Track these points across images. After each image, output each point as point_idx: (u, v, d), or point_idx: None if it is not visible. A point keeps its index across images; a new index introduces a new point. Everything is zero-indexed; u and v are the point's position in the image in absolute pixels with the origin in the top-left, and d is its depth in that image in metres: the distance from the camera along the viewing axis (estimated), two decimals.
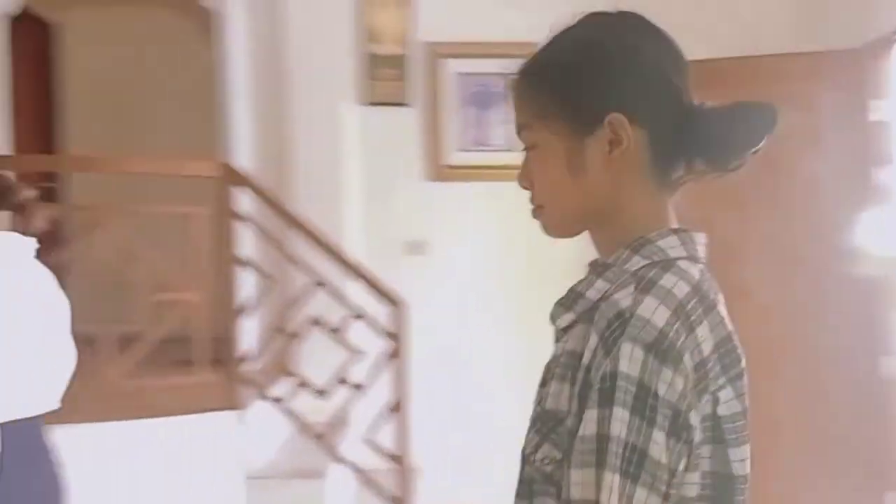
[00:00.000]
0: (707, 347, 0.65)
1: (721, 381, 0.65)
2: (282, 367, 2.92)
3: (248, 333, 2.88)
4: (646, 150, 0.69)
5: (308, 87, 3.30)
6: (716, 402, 0.65)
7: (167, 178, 3.09)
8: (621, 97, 0.68)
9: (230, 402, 2.66)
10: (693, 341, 0.63)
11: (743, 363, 0.68)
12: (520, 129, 0.74)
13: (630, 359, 0.60)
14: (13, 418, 1.48)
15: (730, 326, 0.68)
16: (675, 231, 0.70)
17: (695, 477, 0.64)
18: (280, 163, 3.38)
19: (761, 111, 0.68)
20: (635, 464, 0.59)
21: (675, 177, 0.72)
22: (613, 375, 0.60)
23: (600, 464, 0.59)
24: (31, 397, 1.55)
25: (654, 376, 0.60)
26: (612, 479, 0.59)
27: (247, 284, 2.85)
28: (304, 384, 2.79)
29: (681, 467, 0.62)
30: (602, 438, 0.60)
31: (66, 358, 1.69)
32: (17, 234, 1.61)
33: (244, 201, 2.83)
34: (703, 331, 0.65)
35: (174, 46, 4.43)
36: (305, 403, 2.79)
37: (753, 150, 0.68)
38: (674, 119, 0.69)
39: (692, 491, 0.64)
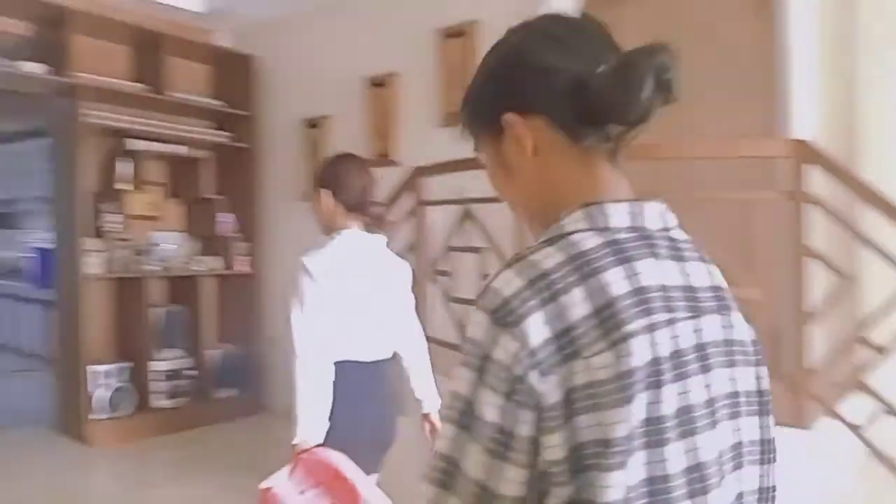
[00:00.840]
0: (577, 313, 0.66)
1: (599, 345, 0.65)
2: (856, 383, 2.42)
3: (816, 340, 2.47)
4: (556, 133, 0.76)
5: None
6: (589, 364, 0.65)
7: (715, 163, 2.87)
8: (509, 98, 0.77)
9: (795, 420, 2.30)
10: (555, 306, 0.66)
11: (629, 327, 0.66)
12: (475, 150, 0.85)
13: (476, 324, 0.69)
14: (376, 359, 2.06)
15: (619, 291, 0.67)
16: (588, 205, 0.73)
17: (554, 439, 0.64)
18: (849, 137, 2.83)
19: (648, 58, 0.70)
20: (469, 419, 0.68)
21: (601, 146, 0.76)
22: (465, 340, 0.70)
23: (444, 418, 0.72)
24: (378, 348, 2.08)
25: (491, 340, 0.67)
26: (449, 431, 0.70)
27: (817, 281, 2.44)
28: (887, 407, 2.25)
29: (525, 432, 0.65)
30: (451, 395, 0.71)
31: (403, 322, 2.22)
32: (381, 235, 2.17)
33: (817, 183, 2.42)
34: (571, 298, 0.67)
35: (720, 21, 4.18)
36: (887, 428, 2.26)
37: (655, 96, 0.71)
38: (569, 98, 0.74)
39: (557, 454, 0.65)
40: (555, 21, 0.79)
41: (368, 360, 2.05)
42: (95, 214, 4.65)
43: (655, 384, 0.66)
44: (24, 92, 4.59)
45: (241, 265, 5.32)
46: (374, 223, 2.17)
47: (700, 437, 0.69)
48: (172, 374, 4.90)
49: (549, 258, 0.69)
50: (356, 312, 2.00)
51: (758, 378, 0.78)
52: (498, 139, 0.79)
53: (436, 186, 3.53)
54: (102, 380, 4.57)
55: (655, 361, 0.67)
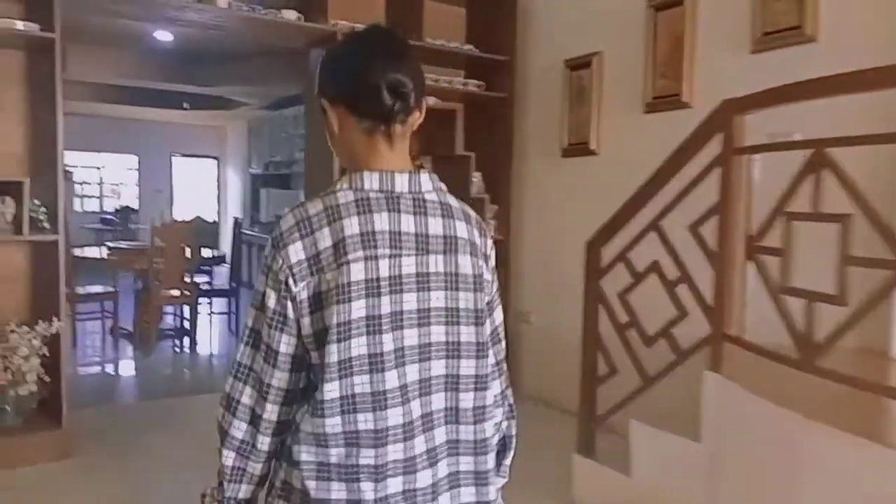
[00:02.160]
0: (323, 244, 1.03)
1: (332, 265, 1.02)
2: None
3: None
4: (352, 116, 1.10)
5: None
6: (325, 277, 1.02)
7: None
8: (323, 87, 1.13)
9: None
10: (311, 239, 1.03)
11: (350, 256, 1.01)
12: None
13: (267, 246, 1.07)
14: None
15: (351, 232, 1.02)
16: (353, 172, 1.09)
17: (307, 321, 1.04)
18: None
19: (384, 77, 1.07)
20: (262, 305, 1.07)
21: (378, 130, 1.09)
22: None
23: (250, 305, 1.11)
24: None
25: (272, 257, 1.05)
26: (252, 312, 1.09)
27: None
28: None
29: (291, 314, 1.04)
30: (254, 291, 1.10)
31: None
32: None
33: None
34: (323, 233, 1.03)
35: None
36: None
37: (393, 102, 1.07)
38: (350, 97, 1.09)
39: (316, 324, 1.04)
40: (360, 37, 1.13)
41: None
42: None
43: (375, 293, 1.02)
44: (280, 47, 4.38)
45: (492, 230, 4.69)
46: None
47: (407, 332, 1.05)
48: None
49: (315, 206, 1.06)
50: None
51: (475, 300, 1.11)
52: (324, 113, 1.14)
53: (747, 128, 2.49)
54: None
55: (374, 279, 1.02)
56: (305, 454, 1.05)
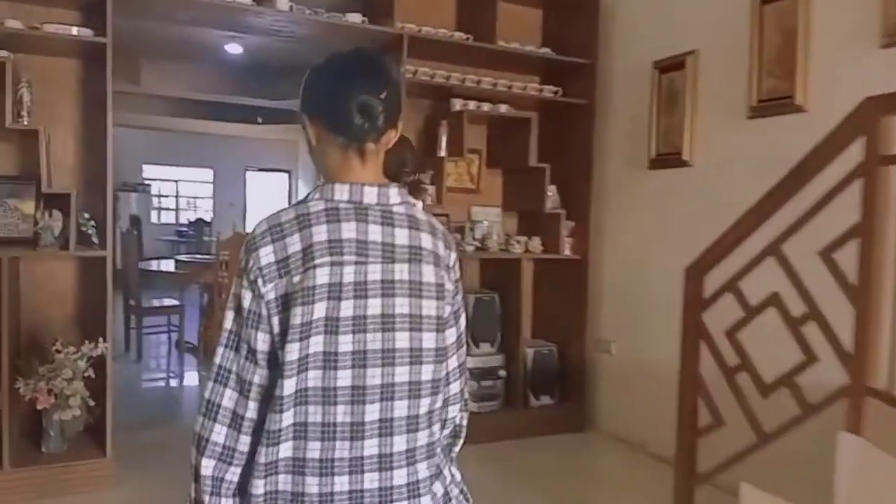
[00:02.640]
0: (293, 249, 1.07)
1: (300, 269, 1.06)
2: None
3: None
4: (330, 133, 1.15)
5: None
6: (292, 280, 1.06)
7: None
8: (304, 106, 1.19)
9: None
10: (281, 244, 1.08)
11: (317, 261, 1.06)
12: None
13: (241, 250, 1.12)
14: None
15: (319, 239, 1.07)
16: (325, 184, 1.14)
17: (276, 320, 1.08)
18: None
19: (355, 99, 1.13)
20: (237, 306, 1.11)
21: (351, 145, 1.14)
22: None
23: (226, 307, 1.14)
24: None
25: (244, 260, 1.10)
26: (230, 314, 1.13)
27: None
28: None
29: (263, 313, 1.08)
30: (231, 293, 1.14)
31: None
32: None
33: None
34: (292, 239, 1.08)
35: None
36: None
37: (363, 122, 1.12)
38: (330, 112, 1.15)
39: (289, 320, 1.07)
40: (341, 60, 1.17)
41: None
42: (412, 188, 3.98)
43: (336, 297, 1.07)
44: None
45: (567, 248, 4.26)
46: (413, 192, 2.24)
47: (370, 335, 1.08)
48: (482, 374, 4.07)
49: (287, 214, 1.11)
50: None
51: (437, 307, 1.15)
52: (304, 127, 1.20)
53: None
54: None
55: (337, 284, 1.07)
56: (263, 456, 1.08)
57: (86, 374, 3.14)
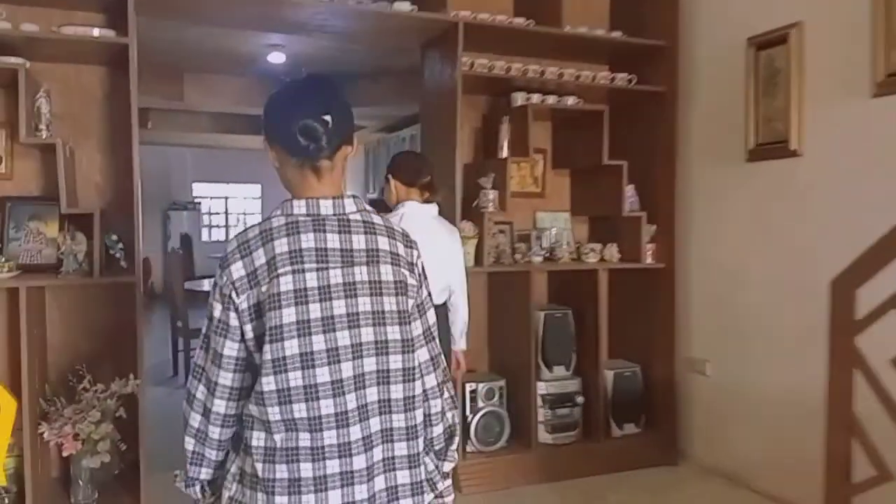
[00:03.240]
0: (259, 262, 1.21)
1: (266, 279, 1.20)
2: None
3: None
4: (285, 154, 1.27)
5: None
6: (261, 289, 1.20)
7: None
8: (265, 130, 1.30)
9: None
10: (249, 259, 1.22)
11: (280, 270, 1.20)
12: None
13: (217, 267, 1.27)
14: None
15: (281, 250, 1.21)
16: (286, 201, 1.27)
17: (249, 327, 1.23)
18: None
19: (297, 123, 1.24)
20: (210, 317, 1.26)
21: (306, 165, 1.26)
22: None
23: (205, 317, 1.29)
24: (438, 296, 2.62)
25: (218, 275, 1.25)
26: (205, 325, 1.28)
27: None
28: None
29: (233, 322, 1.23)
30: (208, 305, 1.28)
31: (458, 274, 2.80)
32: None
33: None
34: (258, 253, 1.22)
35: None
36: None
37: (307, 144, 1.24)
38: (281, 137, 1.27)
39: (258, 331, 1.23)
40: (290, 87, 1.30)
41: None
42: (467, 191, 3.53)
43: (304, 301, 1.19)
44: (395, 68, 3.68)
45: (649, 255, 3.73)
46: (430, 195, 2.76)
47: (339, 333, 1.21)
48: (555, 400, 3.57)
49: (253, 231, 1.25)
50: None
51: (398, 303, 1.28)
52: (267, 151, 1.32)
53: None
54: (469, 401, 3.45)
55: (302, 290, 1.20)
56: (256, 440, 1.24)
57: (117, 415, 2.79)
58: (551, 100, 3.61)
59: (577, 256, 3.72)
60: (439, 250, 2.62)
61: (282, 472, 1.20)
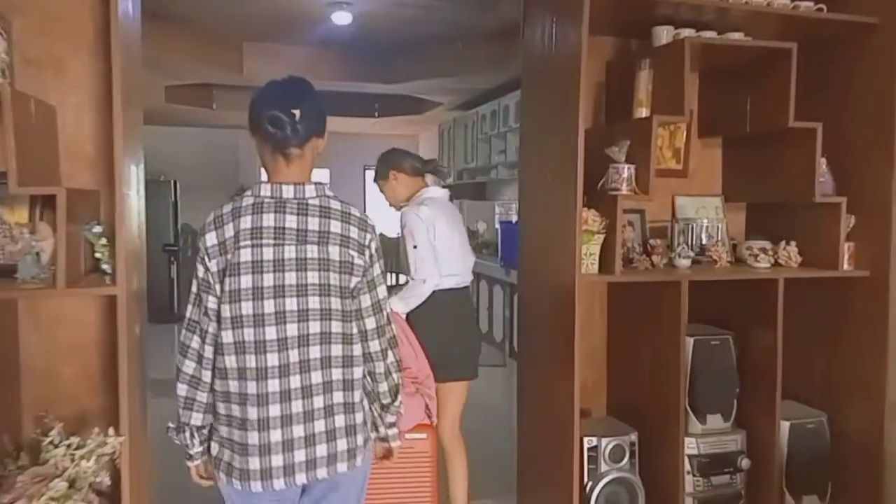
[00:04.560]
0: (228, 235, 1.49)
1: (231, 249, 1.48)
2: None
3: None
4: (261, 143, 1.55)
5: None
6: (227, 258, 1.49)
7: None
8: (248, 120, 1.55)
9: None
10: (221, 231, 1.50)
11: (242, 243, 1.49)
12: None
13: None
14: (456, 286, 2.62)
15: (245, 226, 1.49)
16: (256, 183, 1.54)
17: (218, 286, 1.51)
18: None
19: (266, 113, 1.52)
20: (196, 277, 1.54)
21: (277, 152, 1.53)
22: None
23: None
24: (463, 277, 2.68)
25: (200, 242, 1.52)
26: (193, 284, 1.55)
27: None
28: None
29: (211, 280, 1.51)
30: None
31: (470, 258, 2.77)
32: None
33: None
34: (228, 227, 1.49)
35: None
36: None
37: (274, 133, 1.51)
38: (257, 128, 1.53)
39: (228, 312, 1.50)
40: (271, 84, 1.57)
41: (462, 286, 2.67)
42: (587, 171, 2.50)
43: (259, 271, 1.48)
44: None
45: (846, 260, 2.59)
46: (440, 176, 3.00)
47: (288, 300, 1.50)
48: (710, 464, 2.50)
49: (226, 208, 1.52)
50: (451, 248, 2.57)
51: (341, 279, 1.55)
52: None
53: None
54: (588, 462, 2.44)
55: (258, 262, 1.48)
56: (218, 385, 1.53)
57: (95, 481, 1.94)
58: (709, 35, 2.51)
59: (743, 259, 2.63)
60: (462, 235, 2.68)
61: (234, 411, 1.52)
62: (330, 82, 7.32)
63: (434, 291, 2.52)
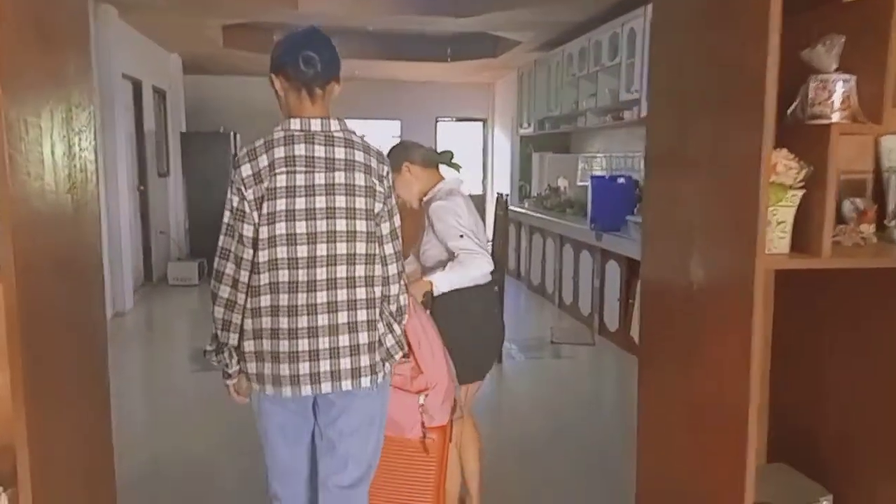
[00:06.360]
0: (262, 165, 1.61)
1: (267, 177, 1.60)
2: None
3: None
4: (288, 81, 1.66)
5: None
6: (263, 185, 1.60)
7: None
8: (272, 68, 1.69)
9: None
10: (255, 162, 1.61)
11: (277, 171, 1.61)
12: None
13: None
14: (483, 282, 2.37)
15: (279, 156, 1.61)
16: (286, 118, 1.67)
17: (255, 214, 1.62)
18: None
19: (299, 51, 1.64)
20: (229, 207, 1.64)
21: (303, 90, 1.66)
22: None
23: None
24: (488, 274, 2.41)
25: (233, 174, 1.63)
26: (225, 215, 1.66)
27: None
28: None
29: (246, 209, 1.62)
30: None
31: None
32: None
33: None
34: (262, 158, 1.61)
35: None
36: None
37: (306, 70, 1.64)
38: (287, 65, 1.65)
39: (266, 232, 1.62)
40: (296, 33, 1.70)
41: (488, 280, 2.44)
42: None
43: (293, 195, 1.60)
44: None
45: None
46: (455, 168, 2.71)
47: (318, 222, 1.63)
48: None
49: (259, 141, 1.64)
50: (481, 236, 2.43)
51: (366, 203, 1.68)
52: (272, 84, 1.70)
53: None
54: None
55: (292, 187, 1.60)
56: (251, 303, 1.63)
57: None
58: None
59: None
60: (482, 228, 2.52)
61: (266, 323, 1.63)
62: (395, 18, 6.46)
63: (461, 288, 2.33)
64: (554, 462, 3.08)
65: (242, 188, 1.60)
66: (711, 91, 1.57)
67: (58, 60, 1.45)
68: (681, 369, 1.80)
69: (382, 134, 11.70)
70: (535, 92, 7.82)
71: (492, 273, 2.38)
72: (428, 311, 2.22)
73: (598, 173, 6.24)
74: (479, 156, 11.28)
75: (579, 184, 6.92)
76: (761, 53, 1.34)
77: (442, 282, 2.23)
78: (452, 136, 11.42)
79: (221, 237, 1.66)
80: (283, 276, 1.60)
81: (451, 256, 2.26)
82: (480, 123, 11.19)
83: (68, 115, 1.46)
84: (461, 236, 2.26)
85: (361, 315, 1.66)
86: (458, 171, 2.64)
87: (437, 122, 11.42)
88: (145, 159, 6.95)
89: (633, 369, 2.20)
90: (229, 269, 1.64)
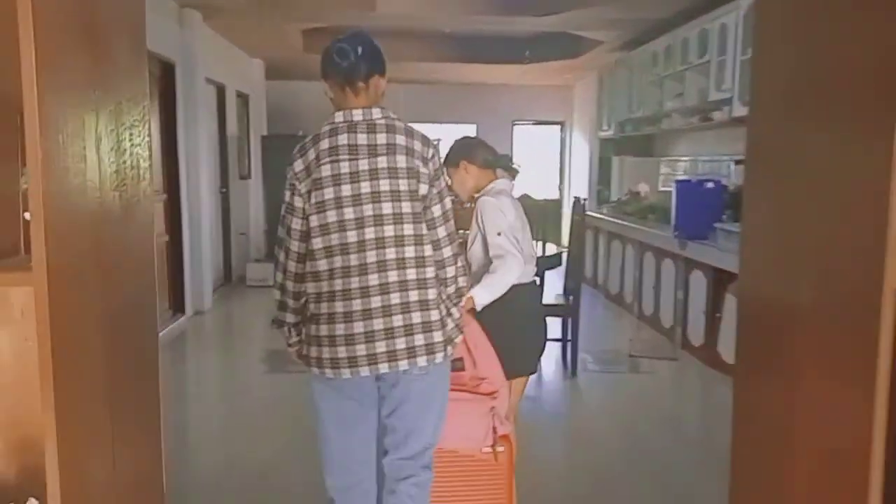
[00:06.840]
0: (311, 158, 1.72)
1: (315, 168, 1.71)
2: None
3: None
4: (331, 80, 1.77)
5: None
6: (312, 176, 1.71)
7: None
8: (322, 73, 1.78)
9: None
10: (305, 157, 1.73)
11: (322, 161, 1.72)
12: None
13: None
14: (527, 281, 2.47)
15: (324, 147, 1.72)
16: (335, 112, 1.76)
17: (307, 206, 1.72)
18: None
19: (332, 47, 1.76)
20: (285, 201, 1.79)
21: (346, 88, 1.75)
22: None
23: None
24: (532, 270, 2.55)
25: (288, 172, 1.77)
26: (283, 208, 1.80)
27: None
28: None
29: (297, 204, 1.75)
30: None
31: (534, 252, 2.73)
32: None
33: None
34: (311, 152, 1.73)
35: None
36: None
37: (339, 66, 1.74)
38: (327, 66, 1.76)
39: (316, 221, 1.71)
40: (339, 39, 1.77)
41: (531, 280, 2.54)
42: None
43: (339, 183, 1.69)
44: None
45: None
46: (510, 173, 2.65)
47: (365, 206, 1.70)
48: None
49: (309, 138, 1.76)
50: (523, 242, 2.45)
51: (409, 184, 1.73)
52: (326, 93, 1.80)
53: None
54: None
55: (337, 175, 1.69)
56: (312, 287, 1.73)
57: None
58: None
59: None
60: (528, 230, 2.58)
61: (325, 308, 1.71)
62: (472, 18, 6.33)
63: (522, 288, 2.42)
64: (631, 489, 2.84)
65: (296, 182, 1.73)
66: (842, 86, 1.32)
67: (105, 51, 1.36)
68: (786, 397, 1.55)
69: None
70: (616, 93, 7.50)
71: (536, 274, 2.58)
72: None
73: (682, 178, 5.88)
74: (556, 159, 11.00)
75: (661, 188, 6.57)
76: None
77: (482, 295, 2.28)
78: (530, 139, 11.20)
79: (279, 229, 1.80)
80: (337, 261, 1.69)
81: (489, 260, 2.35)
82: (558, 126, 10.92)
83: (117, 109, 1.37)
84: (499, 234, 2.35)
85: (413, 295, 1.70)
86: (515, 175, 2.68)
87: (513, 125, 11.23)
88: (227, 162, 7.12)
89: (719, 388, 1.98)
90: (282, 256, 1.79)
